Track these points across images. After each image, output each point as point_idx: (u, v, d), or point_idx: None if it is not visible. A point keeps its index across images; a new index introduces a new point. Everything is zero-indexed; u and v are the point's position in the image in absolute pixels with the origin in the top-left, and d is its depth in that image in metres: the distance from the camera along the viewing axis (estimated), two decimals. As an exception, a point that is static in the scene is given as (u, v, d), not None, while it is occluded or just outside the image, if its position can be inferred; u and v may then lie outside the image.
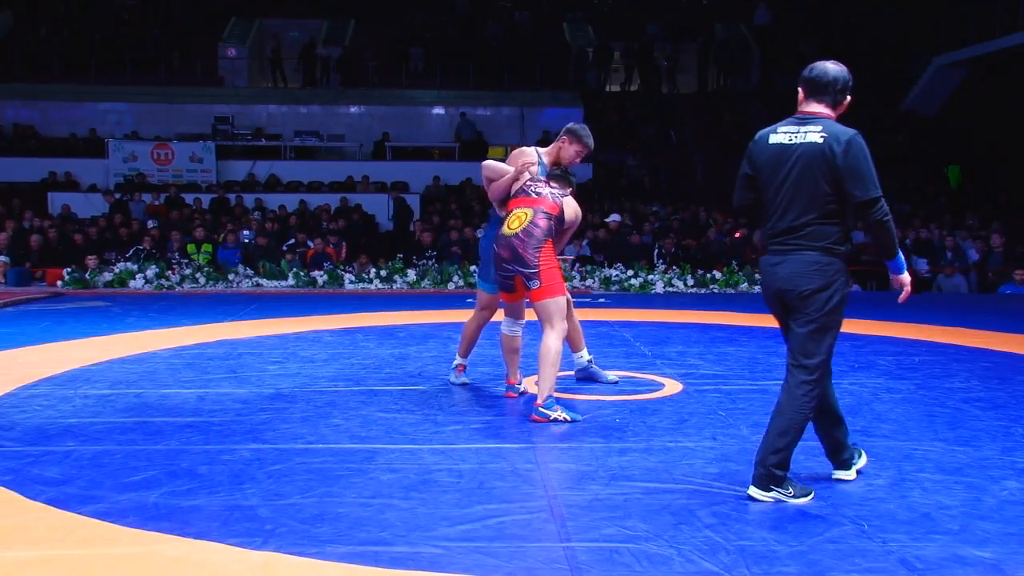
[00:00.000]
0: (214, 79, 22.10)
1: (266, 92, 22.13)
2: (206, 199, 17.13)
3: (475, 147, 19.62)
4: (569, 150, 5.39)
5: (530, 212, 5.03)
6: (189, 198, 17.09)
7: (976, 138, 19.63)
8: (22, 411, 5.10)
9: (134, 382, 5.96)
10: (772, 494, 3.53)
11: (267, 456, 4.19)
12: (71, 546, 3.12)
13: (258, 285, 13.14)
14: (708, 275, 13.40)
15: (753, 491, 3.56)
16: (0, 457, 4.18)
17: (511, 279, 5.03)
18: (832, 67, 3.59)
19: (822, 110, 3.58)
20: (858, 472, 3.84)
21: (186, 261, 13.50)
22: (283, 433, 4.63)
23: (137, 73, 21.42)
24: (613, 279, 13.26)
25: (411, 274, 13.26)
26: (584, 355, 5.85)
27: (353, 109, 21.19)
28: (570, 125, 5.46)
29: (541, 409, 4.81)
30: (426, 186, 18.29)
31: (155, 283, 12.88)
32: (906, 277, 3.61)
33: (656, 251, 14.34)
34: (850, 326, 8.84)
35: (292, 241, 14.51)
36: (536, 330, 5.18)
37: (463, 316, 5.96)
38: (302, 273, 13.24)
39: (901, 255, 3.59)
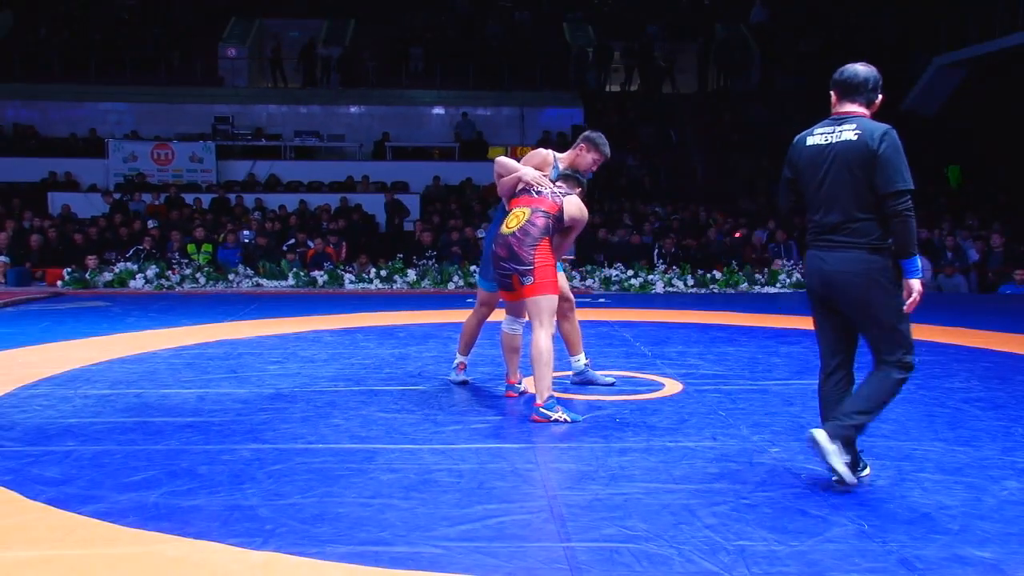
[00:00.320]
0: (214, 79, 22.10)
1: (266, 92, 22.12)
2: (206, 199, 17.14)
3: (475, 147, 19.63)
4: (587, 158, 5.42)
5: (528, 211, 5.05)
6: (189, 198, 17.10)
7: (976, 138, 19.62)
8: (22, 411, 5.10)
9: (134, 382, 5.96)
10: (835, 446, 3.52)
11: (267, 456, 4.19)
12: (71, 546, 3.12)
13: (258, 285, 13.15)
14: (708, 275, 13.41)
15: (818, 434, 3.54)
16: (0, 457, 4.18)
17: (508, 278, 5.05)
18: (862, 68, 3.69)
19: (856, 109, 3.68)
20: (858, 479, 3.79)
21: (186, 261, 13.51)
22: (283, 433, 4.63)
23: (137, 73, 21.42)
24: (613, 279, 13.26)
25: (411, 274, 13.26)
26: (581, 359, 5.84)
27: (353, 109, 21.19)
28: (588, 133, 5.49)
29: (542, 409, 4.82)
30: (426, 186, 18.28)
31: (155, 283, 12.89)
32: (916, 284, 3.58)
33: (656, 251, 14.35)
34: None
35: (292, 241, 14.52)
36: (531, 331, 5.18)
37: (463, 316, 5.96)
38: (302, 273, 13.24)
39: (917, 260, 3.59)
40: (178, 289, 12.85)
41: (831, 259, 3.61)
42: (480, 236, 13.81)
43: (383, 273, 13.26)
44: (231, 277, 13.22)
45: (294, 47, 22.64)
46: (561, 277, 5.53)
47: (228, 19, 23.23)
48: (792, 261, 13.99)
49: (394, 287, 13.15)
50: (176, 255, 13.69)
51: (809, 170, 3.69)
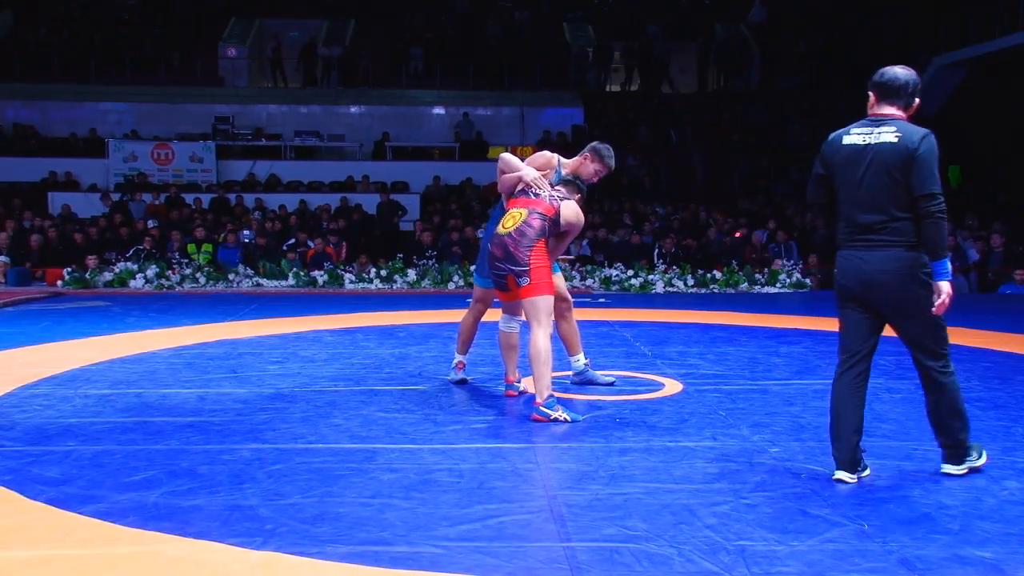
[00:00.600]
0: (214, 79, 22.09)
1: (266, 92, 22.12)
2: (206, 199, 17.13)
3: (475, 147, 19.62)
4: (589, 167, 5.44)
5: (525, 212, 5.07)
6: (189, 198, 17.09)
7: (976, 138, 19.62)
8: (22, 411, 5.10)
9: (134, 382, 5.96)
10: (965, 465, 3.81)
11: (267, 456, 4.19)
12: (71, 546, 3.12)
13: (258, 285, 13.14)
14: (708, 275, 13.41)
15: (948, 468, 3.81)
16: (0, 457, 4.18)
17: (504, 278, 5.06)
18: (902, 72, 3.75)
19: (895, 112, 3.74)
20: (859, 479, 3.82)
21: (186, 261, 13.50)
22: (283, 433, 4.63)
23: (137, 73, 21.41)
24: (613, 279, 13.26)
25: (411, 274, 13.26)
26: (580, 359, 5.84)
27: (353, 109, 21.18)
28: (596, 144, 5.50)
29: (542, 408, 4.82)
30: (426, 186, 18.28)
31: (155, 283, 12.89)
32: (945, 285, 3.65)
33: (656, 251, 14.35)
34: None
35: (292, 241, 14.51)
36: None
37: (463, 316, 5.96)
38: (302, 273, 13.24)
39: (947, 263, 3.65)
40: (178, 289, 12.85)
41: (872, 259, 3.67)
42: (480, 236, 13.82)
43: (383, 273, 13.26)
44: (231, 277, 13.22)
45: (294, 47, 22.64)
46: (558, 277, 5.54)
47: (228, 19, 23.22)
48: (792, 261, 13.99)
49: (394, 287, 13.15)
50: (176, 255, 13.69)
51: (846, 169, 3.74)
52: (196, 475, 3.89)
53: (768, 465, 4.04)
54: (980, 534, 3.22)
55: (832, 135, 3.85)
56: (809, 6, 24.18)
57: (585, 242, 14.83)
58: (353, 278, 13.21)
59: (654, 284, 13.18)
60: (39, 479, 3.83)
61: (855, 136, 3.74)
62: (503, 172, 5.37)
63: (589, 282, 13.31)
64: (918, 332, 3.71)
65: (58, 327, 8.62)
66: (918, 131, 3.62)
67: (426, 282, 13.19)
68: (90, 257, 13.28)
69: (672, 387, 5.80)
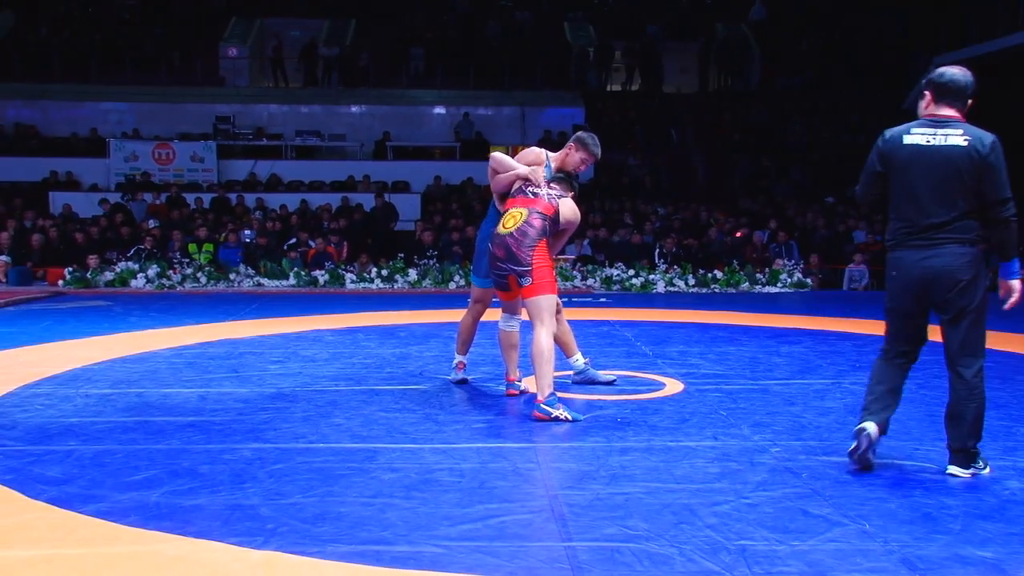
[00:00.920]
0: (215, 79, 22.09)
1: (267, 92, 22.12)
2: (207, 199, 17.13)
3: (476, 147, 19.62)
4: (575, 157, 5.42)
5: (525, 212, 5.08)
6: (190, 198, 17.09)
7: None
8: (23, 410, 5.10)
9: (135, 381, 5.96)
10: (971, 470, 3.84)
11: (268, 455, 4.19)
12: (72, 545, 3.12)
13: (259, 285, 13.15)
14: (709, 275, 13.41)
15: (955, 470, 3.84)
16: (1, 456, 4.18)
17: (505, 278, 5.08)
18: (960, 74, 3.83)
19: (953, 113, 3.82)
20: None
21: (187, 261, 13.51)
22: (284, 432, 4.63)
23: (138, 73, 21.41)
24: (614, 279, 13.27)
25: (412, 274, 13.27)
26: (579, 359, 5.83)
27: (354, 109, 21.18)
28: (579, 133, 5.52)
29: (543, 406, 4.82)
30: (427, 186, 18.28)
31: (156, 283, 12.90)
32: (1016, 284, 3.83)
33: (657, 251, 14.35)
34: (852, 326, 8.85)
35: (293, 240, 14.52)
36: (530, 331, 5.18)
37: (462, 316, 5.95)
38: (303, 272, 13.25)
39: (1018, 262, 3.82)
40: (179, 289, 12.86)
41: (935, 256, 3.76)
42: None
43: (384, 273, 13.27)
44: (232, 277, 13.23)
45: (295, 47, 22.64)
46: None
47: (229, 19, 23.23)
48: (793, 261, 13.99)
49: (395, 287, 13.15)
50: (177, 255, 13.70)
51: (909, 169, 3.80)
52: (197, 475, 3.89)
53: (769, 465, 4.04)
54: (981, 534, 3.21)
55: (888, 134, 3.90)
56: (809, 6, 24.17)
57: (586, 242, 14.83)
58: (354, 278, 13.22)
59: (655, 284, 13.18)
60: (40, 478, 3.83)
61: (916, 136, 3.80)
62: (496, 172, 5.37)
63: (590, 282, 13.32)
64: (964, 329, 3.79)
65: (59, 327, 8.62)
66: (986, 135, 3.74)
67: (427, 282, 13.19)
68: (91, 257, 13.29)
69: (673, 387, 5.80)
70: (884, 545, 3.11)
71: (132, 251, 13.59)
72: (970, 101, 3.85)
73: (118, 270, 13.07)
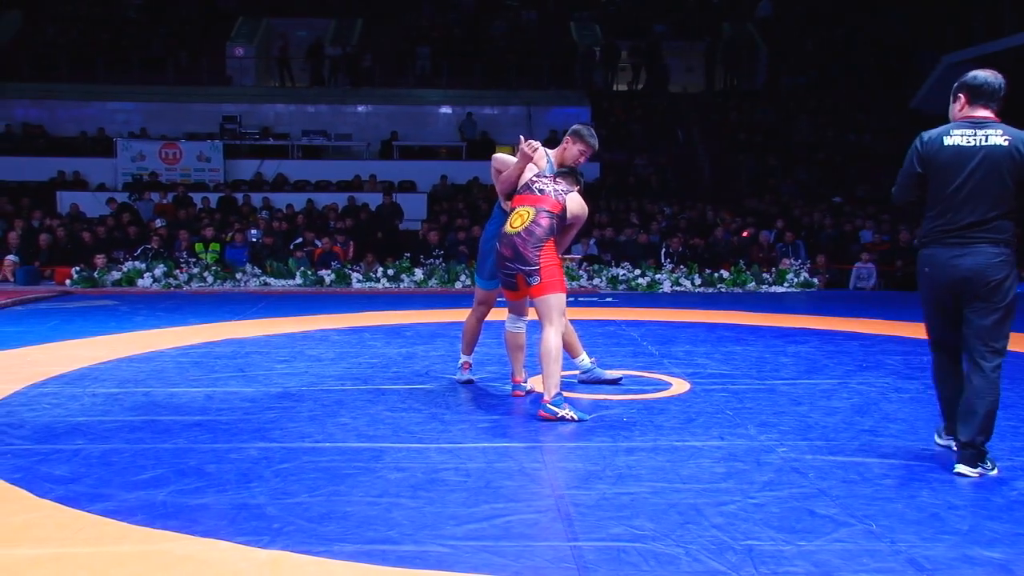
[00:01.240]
0: (222, 78, 22.13)
1: (273, 91, 22.16)
2: (214, 198, 17.17)
3: (482, 146, 19.64)
4: (572, 150, 5.39)
5: (532, 211, 5.06)
6: (197, 197, 17.13)
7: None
8: (31, 409, 5.12)
9: (142, 381, 5.97)
10: (979, 469, 3.85)
11: (275, 455, 4.19)
12: (80, 544, 3.13)
13: (266, 284, 13.17)
14: (715, 274, 13.40)
15: (963, 468, 3.85)
16: (9, 455, 4.19)
17: (513, 277, 5.06)
18: (991, 76, 3.97)
19: (990, 115, 3.93)
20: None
21: (194, 260, 13.53)
22: (290, 432, 4.63)
23: (145, 72, 21.47)
24: (620, 278, 13.25)
25: (418, 273, 13.27)
26: (585, 359, 5.82)
27: (360, 108, 21.20)
28: (575, 126, 5.49)
29: (549, 406, 4.82)
30: (433, 185, 18.29)
31: (163, 282, 12.92)
32: None
33: (663, 250, 14.33)
34: (858, 326, 8.83)
35: (299, 240, 14.54)
36: (539, 330, 5.17)
37: (466, 317, 5.95)
38: (309, 272, 13.26)
39: None
40: (186, 288, 12.88)
41: (971, 254, 3.84)
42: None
43: (390, 272, 13.28)
44: (238, 276, 13.25)
45: (301, 46, 22.68)
46: None
47: (235, 18, 23.27)
48: (799, 260, 13.96)
49: (401, 286, 13.16)
50: (184, 254, 13.73)
51: (949, 170, 3.87)
52: (204, 474, 3.90)
53: (775, 465, 4.03)
54: (989, 534, 3.21)
55: (927, 136, 3.97)
56: (816, 5, 24.14)
57: (592, 241, 14.82)
58: (360, 277, 13.23)
59: (661, 283, 13.16)
60: (48, 477, 3.85)
61: (957, 137, 3.88)
62: (499, 172, 5.36)
63: (596, 281, 13.31)
64: (990, 325, 3.87)
65: (66, 326, 8.65)
66: None
67: (433, 281, 13.20)
68: (98, 256, 13.32)
69: (679, 386, 5.79)
70: (891, 545, 3.10)
71: (139, 251, 13.62)
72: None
73: (125, 269, 13.10)
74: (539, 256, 4.96)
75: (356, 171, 18.63)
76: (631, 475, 3.87)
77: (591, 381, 5.82)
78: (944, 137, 3.92)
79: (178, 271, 13.08)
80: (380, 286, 13.11)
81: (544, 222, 5.04)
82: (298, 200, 17.19)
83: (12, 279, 13.28)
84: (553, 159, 5.43)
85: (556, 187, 5.20)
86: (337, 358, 6.87)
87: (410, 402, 5.32)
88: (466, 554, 3.02)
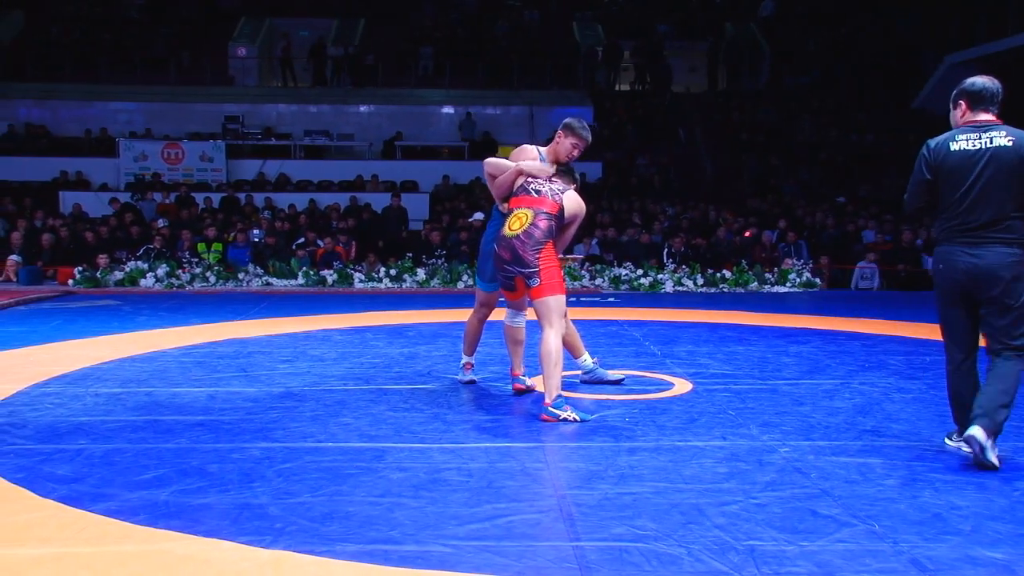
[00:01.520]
0: (224, 78, 22.16)
1: (276, 91, 22.18)
2: (216, 198, 17.18)
3: (485, 146, 19.64)
4: (565, 143, 5.32)
5: (531, 213, 5.04)
6: (199, 197, 17.15)
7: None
8: (33, 409, 5.12)
9: (144, 380, 5.98)
10: (990, 441, 3.88)
11: (277, 455, 4.19)
12: (82, 544, 3.13)
13: (268, 284, 13.18)
14: (718, 274, 13.39)
15: (978, 432, 3.86)
16: (12, 455, 4.20)
17: (512, 279, 5.06)
18: (989, 81, 4.07)
19: (992, 118, 4.04)
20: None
21: (196, 260, 13.54)
22: (293, 432, 4.63)
23: (147, 73, 21.50)
24: (623, 278, 13.25)
25: (420, 273, 13.28)
26: (587, 359, 5.82)
27: (362, 108, 21.22)
28: (567, 120, 5.40)
29: (551, 409, 4.81)
30: (435, 185, 18.30)
31: (165, 282, 12.94)
32: None
33: (666, 250, 14.33)
34: (861, 326, 8.82)
35: (302, 240, 14.55)
36: (538, 330, 5.16)
37: (468, 317, 5.95)
38: (312, 272, 13.27)
39: None
40: (188, 288, 12.89)
41: (985, 254, 3.94)
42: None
43: (392, 272, 13.28)
44: (241, 276, 13.26)
45: (304, 46, 22.71)
46: None
47: (238, 19, 23.29)
48: (802, 260, 13.95)
49: (403, 286, 13.17)
50: (186, 254, 13.74)
51: (957, 174, 3.98)
52: (206, 474, 3.90)
53: (778, 465, 4.03)
54: (992, 535, 3.20)
55: (934, 143, 4.07)
56: (818, 4, 24.13)
57: (594, 241, 14.82)
58: (362, 277, 13.24)
59: (663, 283, 13.16)
60: (50, 477, 3.85)
61: (962, 142, 3.99)
62: (493, 176, 5.33)
63: (598, 281, 13.31)
64: (1007, 324, 3.94)
65: (69, 326, 8.66)
66: None
67: (435, 281, 13.20)
68: (101, 256, 13.34)
69: (681, 386, 5.79)
70: (894, 546, 3.10)
71: (141, 251, 13.63)
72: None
73: (127, 269, 13.11)
74: (538, 258, 4.95)
75: (358, 171, 18.64)
76: (633, 475, 3.87)
77: (593, 381, 5.81)
78: (950, 143, 4.02)
79: (180, 271, 13.09)
80: (382, 286, 13.12)
81: (542, 224, 5.03)
82: (300, 200, 17.20)
83: (15, 279, 13.30)
84: (546, 155, 5.40)
85: (552, 187, 5.19)
86: (339, 358, 6.87)
87: (412, 402, 5.32)
88: (468, 554, 3.02)
